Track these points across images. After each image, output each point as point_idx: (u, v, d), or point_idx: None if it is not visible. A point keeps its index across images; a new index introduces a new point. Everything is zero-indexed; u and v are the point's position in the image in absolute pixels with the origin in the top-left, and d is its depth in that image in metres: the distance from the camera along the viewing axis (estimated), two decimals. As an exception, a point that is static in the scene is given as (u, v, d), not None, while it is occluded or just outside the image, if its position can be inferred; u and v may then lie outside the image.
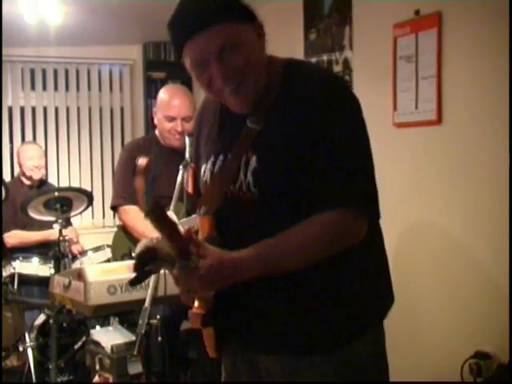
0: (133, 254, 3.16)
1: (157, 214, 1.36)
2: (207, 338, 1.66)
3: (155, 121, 3.40)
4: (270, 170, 1.56)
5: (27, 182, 4.90)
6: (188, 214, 3.01)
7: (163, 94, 3.36)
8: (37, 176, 4.87)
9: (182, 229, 2.09)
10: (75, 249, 4.63)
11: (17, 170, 5.47)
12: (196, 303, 1.61)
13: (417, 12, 3.33)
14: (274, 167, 1.56)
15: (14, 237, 4.71)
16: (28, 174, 4.86)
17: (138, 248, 1.48)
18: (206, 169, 1.72)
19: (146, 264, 1.47)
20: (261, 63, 1.60)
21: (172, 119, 3.27)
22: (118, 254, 3.37)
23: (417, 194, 3.48)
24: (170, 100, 3.29)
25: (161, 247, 1.46)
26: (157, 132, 3.44)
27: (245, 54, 1.54)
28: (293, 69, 1.64)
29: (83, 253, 4.51)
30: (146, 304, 2.50)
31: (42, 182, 4.95)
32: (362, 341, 1.64)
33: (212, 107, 1.78)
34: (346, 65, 3.93)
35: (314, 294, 1.60)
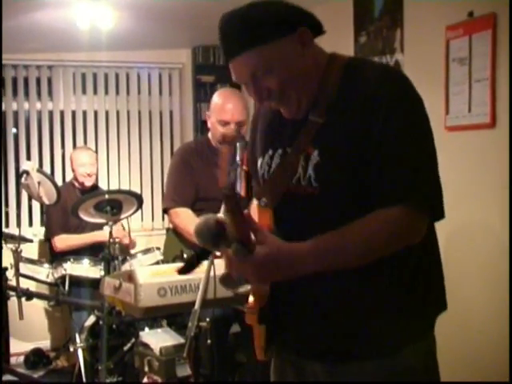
0: (185, 255, 3.19)
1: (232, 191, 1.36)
2: (257, 339, 1.65)
3: (208, 124, 3.41)
4: (333, 164, 1.55)
5: (79, 187, 4.98)
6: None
7: (217, 98, 3.36)
8: (88, 183, 4.94)
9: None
10: (126, 240, 4.64)
11: (68, 175, 5.57)
12: (251, 298, 1.60)
13: (470, 13, 3.27)
14: (336, 162, 1.55)
15: (61, 241, 4.78)
16: (80, 180, 4.94)
17: (204, 219, 1.49)
18: (262, 162, 1.72)
19: (215, 235, 1.47)
20: (305, 72, 1.60)
21: (226, 124, 3.27)
22: (170, 256, 3.39)
23: (469, 198, 3.41)
24: (224, 104, 3.29)
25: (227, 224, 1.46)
26: (209, 135, 3.45)
27: (280, 74, 1.56)
28: (355, 64, 1.64)
29: (133, 255, 4.55)
30: (196, 306, 2.50)
31: (94, 188, 5.02)
32: (413, 348, 1.61)
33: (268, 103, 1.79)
34: (397, 67, 3.88)
35: (366, 299, 1.58)
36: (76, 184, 5.01)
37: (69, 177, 5.49)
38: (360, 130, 1.52)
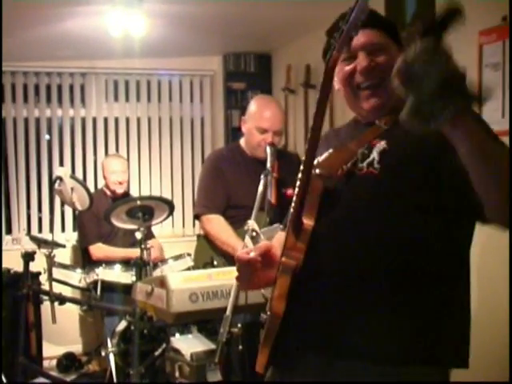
0: (215, 263, 3.19)
1: None
2: (262, 354, 1.66)
3: (243, 129, 3.41)
4: (398, 150, 1.60)
5: (111, 195, 5.02)
6: (271, 223, 3.02)
7: (256, 105, 3.36)
8: (120, 191, 4.98)
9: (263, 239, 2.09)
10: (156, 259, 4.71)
11: (100, 181, 5.63)
12: (276, 292, 1.59)
13: (504, 18, 3.23)
14: (402, 150, 1.60)
15: (99, 250, 4.82)
16: (112, 187, 4.98)
17: None
18: (321, 155, 1.77)
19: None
20: None
21: (264, 131, 3.27)
22: (200, 263, 3.40)
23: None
24: (263, 111, 3.30)
25: None
26: (241, 141, 3.45)
27: (388, 60, 1.65)
28: None
29: (164, 261, 4.57)
30: (228, 312, 2.51)
31: (125, 195, 5.06)
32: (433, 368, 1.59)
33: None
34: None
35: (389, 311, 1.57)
36: (107, 191, 5.05)
37: (100, 183, 5.55)
38: (435, 142, 1.49)
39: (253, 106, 3.37)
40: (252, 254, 1.68)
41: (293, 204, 1.60)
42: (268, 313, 1.63)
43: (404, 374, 1.56)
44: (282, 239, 1.69)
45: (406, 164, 1.58)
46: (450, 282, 1.61)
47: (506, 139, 3.28)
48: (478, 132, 1.32)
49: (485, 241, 3.22)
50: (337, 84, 1.77)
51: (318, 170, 1.66)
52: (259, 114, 3.30)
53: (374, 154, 1.62)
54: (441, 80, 1.23)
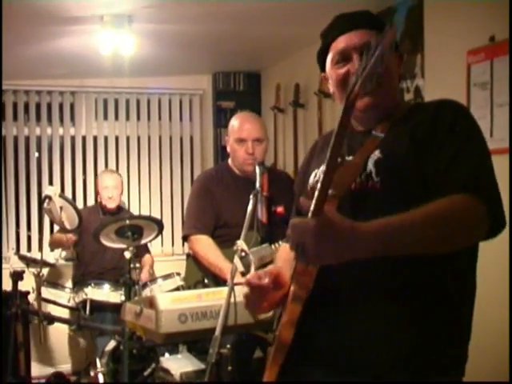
0: (205, 281, 3.18)
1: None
2: (270, 373, 1.63)
3: (228, 148, 3.45)
4: (393, 157, 1.61)
5: (102, 210, 5.04)
6: (262, 241, 3.02)
7: (234, 120, 3.48)
8: (111, 205, 4.99)
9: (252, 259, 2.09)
10: (144, 276, 4.70)
11: (89, 199, 5.63)
12: (285, 318, 1.59)
13: (492, 38, 3.26)
14: (396, 155, 1.61)
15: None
16: (103, 202, 4.99)
17: None
18: (318, 171, 1.77)
19: None
20: (395, 82, 1.75)
21: (242, 141, 3.33)
22: (191, 282, 3.39)
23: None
24: (241, 124, 3.40)
25: None
26: (229, 161, 3.47)
27: (386, 60, 1.56)
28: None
29: (153, 280, 4.56)
30: (217, 333, 2.50)
31: (117, 210, 5.07)
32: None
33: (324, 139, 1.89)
34: (418, 93, 3.88)
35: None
36: (99, 207, 5.08)
37: (90, 201, 5.54)
38: (423, 131, 1.60)
39: (232, 122, 3.49)
40: (266, 280, 1.66)
41: None
42: (275, 337, 1.62)
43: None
44: (285, 255, 1.73)
45: (402, 174, 1.59)
46: (453, 300, 1.63)
47: (494, 158, 3.31)
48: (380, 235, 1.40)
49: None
50: (331, 87, 1.79)
51: (331, 191, 1.55)
52: (238, 126, 3.40)
53: (371, 167, 1.62)
54: None
